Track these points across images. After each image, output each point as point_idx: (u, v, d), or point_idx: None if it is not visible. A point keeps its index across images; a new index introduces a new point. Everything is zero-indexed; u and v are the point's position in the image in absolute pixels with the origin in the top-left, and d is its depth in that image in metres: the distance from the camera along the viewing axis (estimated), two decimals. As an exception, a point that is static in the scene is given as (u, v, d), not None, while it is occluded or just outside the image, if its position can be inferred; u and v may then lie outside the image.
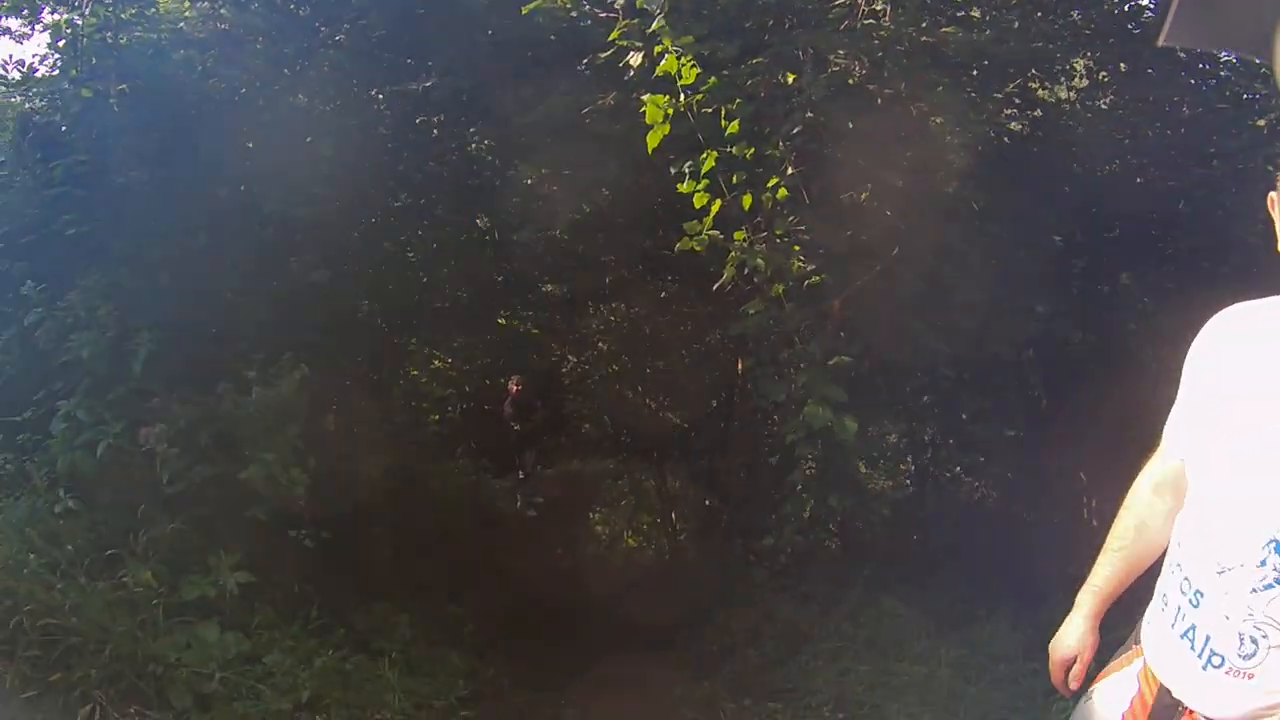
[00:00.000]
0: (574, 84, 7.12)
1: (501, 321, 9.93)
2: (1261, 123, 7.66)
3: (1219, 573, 1.92)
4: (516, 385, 10.03)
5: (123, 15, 7.76)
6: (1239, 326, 2.07)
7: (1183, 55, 8.40)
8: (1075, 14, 7.74)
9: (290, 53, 8.17)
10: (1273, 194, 1.92)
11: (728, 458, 7.69)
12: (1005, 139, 7.25)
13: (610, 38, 6.32)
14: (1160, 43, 1.31)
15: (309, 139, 7.90)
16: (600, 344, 9.83)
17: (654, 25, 6.10)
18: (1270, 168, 2.25)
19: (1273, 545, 1.82)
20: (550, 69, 7.47)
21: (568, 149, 7.52)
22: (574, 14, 7.21)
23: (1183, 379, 2.20)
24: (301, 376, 7.14)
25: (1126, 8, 8.23)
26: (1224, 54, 9.07)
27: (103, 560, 5.98)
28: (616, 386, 9.76)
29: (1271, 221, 1.95)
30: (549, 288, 9.46)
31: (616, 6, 6.49)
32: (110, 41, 7.69)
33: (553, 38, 7.52)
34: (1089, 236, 7.74)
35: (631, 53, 6.31)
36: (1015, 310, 7.04)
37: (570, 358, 10.32)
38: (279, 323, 7.53)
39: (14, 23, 8.65)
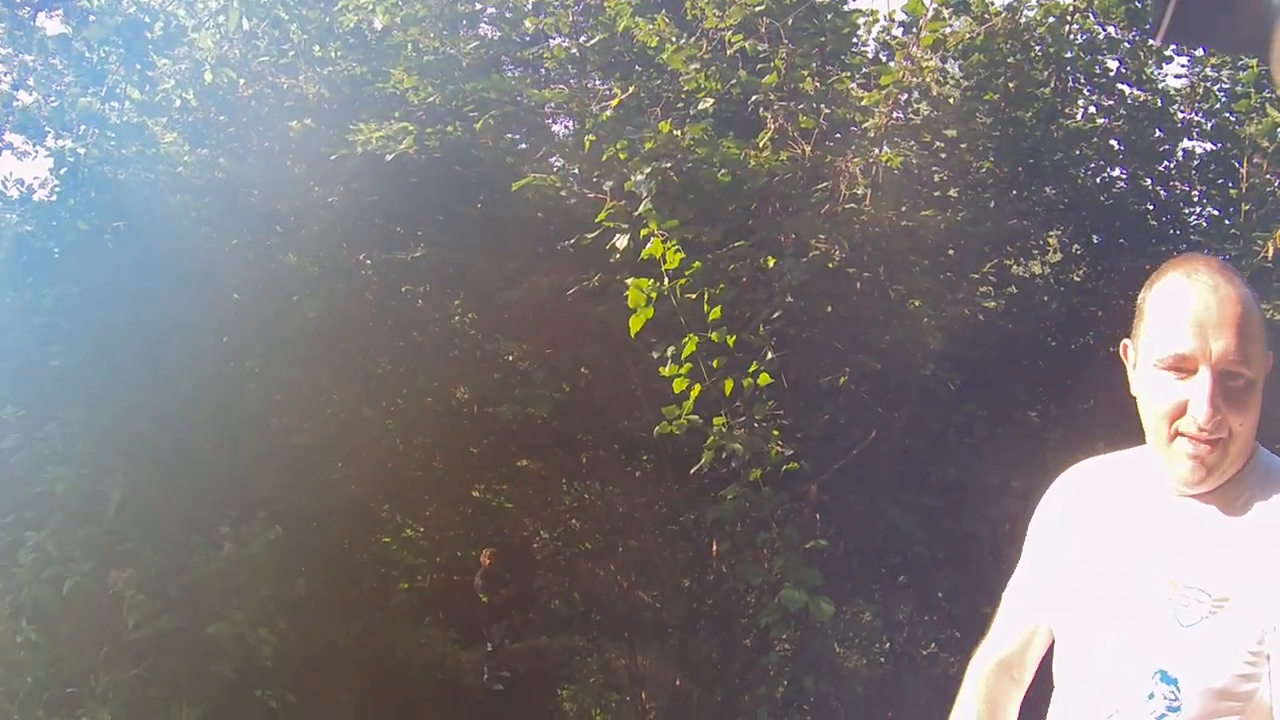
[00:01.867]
0: (559, 262, 7.47)
1: (475, 494, 10.19)
2: (1231, 281, 7.93)
3: (1109, 717, 2.08)
4: (488, 558, 10.24)
5: (124, 151, 8.18)
6: (1095, 482, 2.26)
7: (1153, 223, 8.83)
8: (1049, 189, 8.19)
9: (283, 209, 8.60)
10: (1125, 341, 2.12)
11: (699, 638, 7.87)
12: (981, 317, 7.62)
13: (598, 219, 6.72)
14: (1157, 40, 1.45)
15: (295, 298, 8.21)
16: (573, 521, 10.05)
17: (641, 208, 6.49)
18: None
19: (1158, 676, 2.01)
20: (536, 246, 7.80)
21: (550, 327, 7.83)
22: (562, 193, 7.53)
23: (1032, 542, 2.35)
24: (274, 537, 7.32)
25: (1098, 180, 8.71)
26: (1198, 215, 9.59)
27: (62, 696, 6.14)
28: (588, 564, 9.97)
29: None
30: (524, 463, 9.69)
31: (605, 188, 6.86)
32: (110, 176, 8.07)
33: (540, 215, 7.89)
34: (1063, 408, 8.05)
35: (618, 234, 6.61)
36: (991, 487, 7.32)
37: (543, 533, 10.53)
38: (254, 480, 7.81)
39: (17, 138, 9.06)
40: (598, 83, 8.96)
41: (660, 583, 8.69)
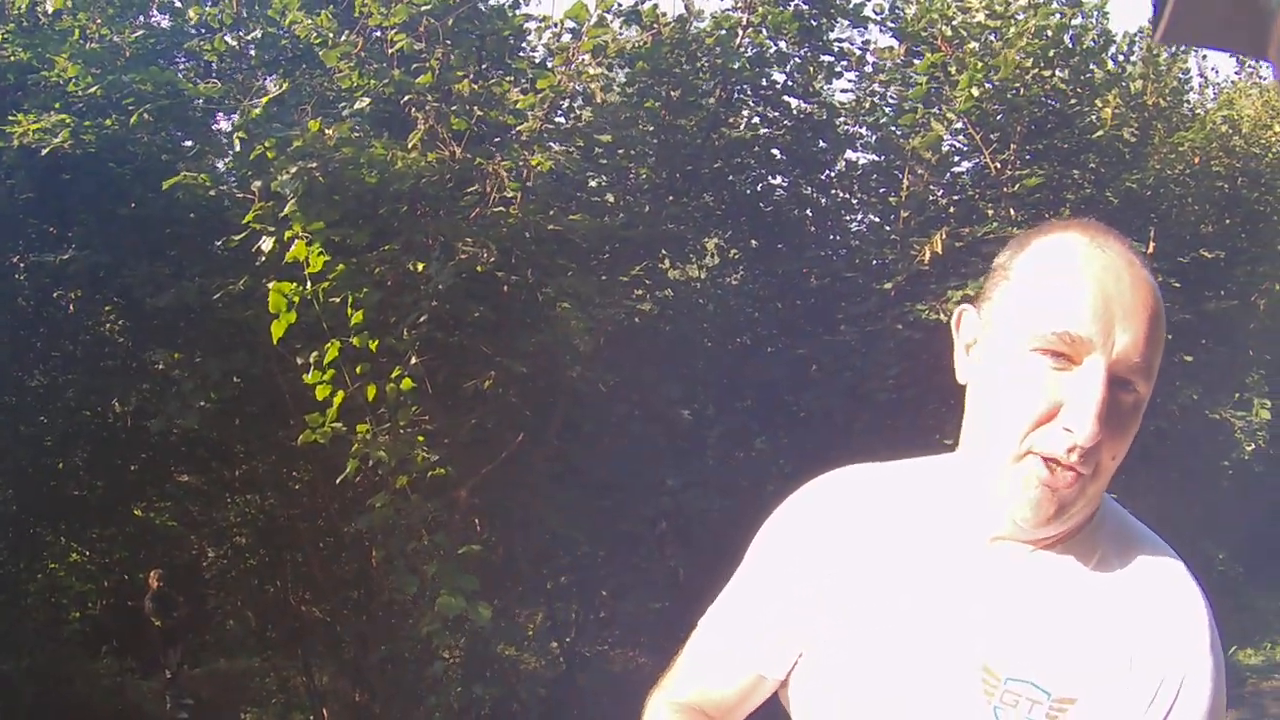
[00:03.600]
0: (209, 266, 7.12)
1: (138, 513, 9.67)
2: (889, 285, 8.27)
3: None
4: (156, 580, 9.83)
5: None
6: (868, 504, 1.65)
7: (813, 229, 9.09)
8: (707, 196, 8.29)
9: (-63, 207, 7.88)
10: (964, 307, 1.60)
11: (370, 651, 7.63)
12: (636, 319, 7.64)
13: (245, 220, 6.39)
14: (1156, 40, 1.23)
15: (-54, 305, 7.63)
16: (238, 536, 9.60)
17: (286, 209, 6.21)
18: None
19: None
20: (188, 249, 7.43)
21: (200, 334, 7.50)
22: (212, 193, 7.15)
23: (766, 572, 1.70)
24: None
25: (759, 188, 8.86)
26: (859, 222, 9.95)
27: None
28: (257, 580, 9.56)
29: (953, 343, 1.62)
30: (185, 478, 9.25)
31: (253, 188, 6.52)
32: None
33: (192, 215, 7.46)
34: (722, 407, 8.17)
35: (264, 237, 6.32)
36: (646, 486, 7.36)
37: (210, 551, 10.08)
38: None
39: None
40: (263, 79, 8.61)
41: (329, 596, 8.40)
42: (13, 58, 8.21)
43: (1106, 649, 1.45)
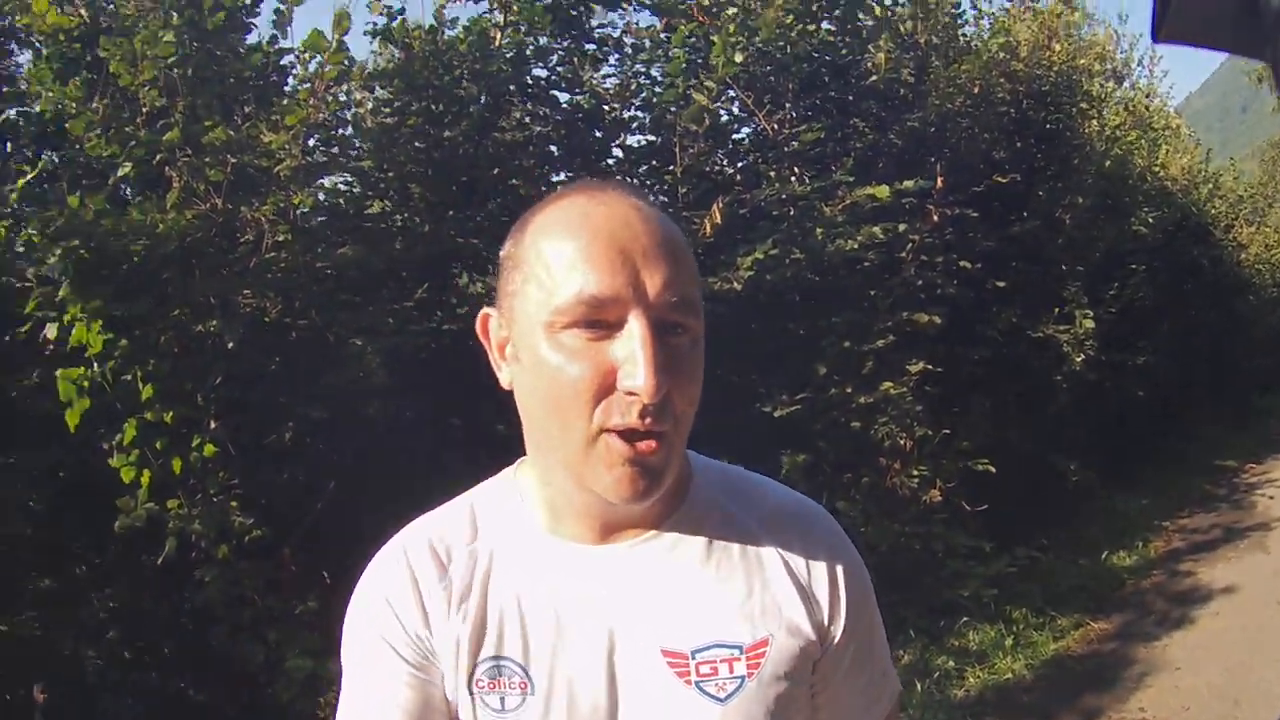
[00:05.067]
0: (3, 363, 6.98)
1: (3, 628, 9.40)
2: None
3: None
4: (41, 694, 9.57)
5: None
6: (458, 552, 1.60)
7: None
8: (490, 204, 8.39)
9: None
10: (485, 310, 1.59)
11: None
12: (447, 340, 7.68)
13: (26, 309, 6.37)
14: (1155, 40, 1.29)
15: None
16: (110, 632, 9.41)
17: (61, 292, 6.22)
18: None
19: None
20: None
21: (9, 434, 7.34)
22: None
23: (377, 658, 1.56)
24: None
25: (542, 187, 9.03)
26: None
27: None
28: (136, 673, 9.34)
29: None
30: (46, 582, 9.04)
31: (30, 275, 6.54)
32: None
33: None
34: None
35: (47, 324, 6.34)
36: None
37: (88, 651, 9.85)
38: None
39: None
40: (28, 158, 8.47)
41: (203, 678, 8.32)
42: None
43: (768, 580, 1.52)
